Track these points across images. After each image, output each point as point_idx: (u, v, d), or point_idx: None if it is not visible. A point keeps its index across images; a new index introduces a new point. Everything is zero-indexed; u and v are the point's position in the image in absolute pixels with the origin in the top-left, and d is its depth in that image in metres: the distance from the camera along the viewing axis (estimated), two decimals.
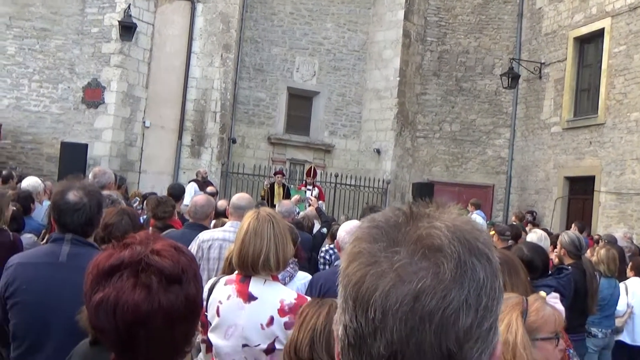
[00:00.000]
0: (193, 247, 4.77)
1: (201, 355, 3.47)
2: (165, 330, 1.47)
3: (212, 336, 3.16)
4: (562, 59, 17.28)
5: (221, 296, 3.16)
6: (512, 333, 2.23)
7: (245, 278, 3.15)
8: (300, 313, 2.44)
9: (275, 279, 3.18)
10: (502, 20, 19.80)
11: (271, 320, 3.03)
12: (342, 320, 0.90)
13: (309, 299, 3.15)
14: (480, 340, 0.86)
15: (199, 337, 3.29)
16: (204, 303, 3.24)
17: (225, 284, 3.20)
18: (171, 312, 1.47)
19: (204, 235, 5.01)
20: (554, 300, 2.77)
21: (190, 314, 1.53)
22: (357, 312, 0.86)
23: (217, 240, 4.84)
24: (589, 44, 16.78)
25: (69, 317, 2.22)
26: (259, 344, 3.03)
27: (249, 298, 3.08)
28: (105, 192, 4.96)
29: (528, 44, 19.09)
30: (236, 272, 3.25)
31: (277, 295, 3.10)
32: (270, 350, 3.03)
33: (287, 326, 3.00)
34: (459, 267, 0.85)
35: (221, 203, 8.11)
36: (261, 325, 3.03)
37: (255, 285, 3.11)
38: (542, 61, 18.19)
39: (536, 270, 4.75)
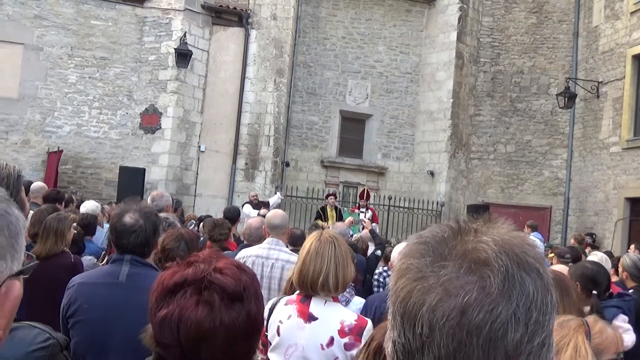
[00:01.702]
0: None
1: None
2: (226, 347, 1.49)
3: (272, 356, 3.17)
4: (621, 77, 16.89)
5: (282, 316, 3.18)
6: (582, 356, 2.17)
7: (306, 298, 3.16)
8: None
9: (335, 300, 3.19)
10: (557, 39, 19.52)
11: (331, 341, 3.03)
12: (391, 336, 0.90)
13: (369, 320, 3.14)
14: (532, 356, 0.84)
15: (259, 357, 3.31)
16: (265, 323, 3.27)
17: (286, 304, 3.22)
18: (233, 329, 1.48)
19: (241, 252, 5.15)
20: (624, 324, 2.70)
21: (251, 331, 1.54)
22: (405, 327, 0.86)
23: (250, 257, 4.91)
24: None
25: (128, 335, 2.27)
26: None
27: (310, 318, 3.09)
28: (162, 215, 5.08)
29: (584, 63, 18.75)
30: (297, 292, 3.27)
31: (337, 316, 3.10)
32: None
33: (347, 347, 2.99)
34: (507, 280, 0.83)
35: None
36: (321, 345, 3.03)
37: (316, 306, 3.12)
38: (600, 80, 17.81)
39: (601, 285, 4.62)
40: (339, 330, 3.04)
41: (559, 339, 2.18)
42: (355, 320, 3.09)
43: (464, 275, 0.84)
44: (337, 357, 3.01)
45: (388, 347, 0.92)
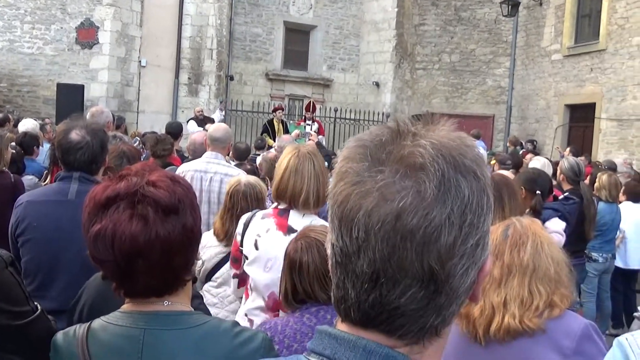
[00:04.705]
0: None
1: (229, 289, 3.54)
2: (163, 261, 1.49)
3: (250, 269, 3.18)
4: None
5: (259, 230, 3.18)
6: (558, 250, 2.26)
7: (284, 212, 3.17)
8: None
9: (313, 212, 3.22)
10: None
11: None
12: (329, 239, 0.91)
13: None
14: (465, 257, 0.86)
15: (198, 265, 3.34)
16: (239, 238, 3.28)
17: (263, 218, 3.22)
18: (169, 242, 1.48)
19: (181, 167, 5.17)
20: (555, 227, 2.81)
21: (188, 243, 1.54)
22: (342, 231, 0.87)
23: (189, 172, 4.94)
24: None
25: (79, 252, 2.26)
26: None
27: (289, 230, 3.11)
28: (114, 133, 5.00)
29: None
30: (272, 206, 3.28)
31: None
32: None
33: None
34: (442, 184, 0.83)
35: None
36: None
37: (294, 218, 3.14)
38: None
39: (543, 186, 4.84)
40: None
41: (532, 238, 2.25)
42: None
43: (400, 180, 0.84)
44: None
45: (328, 250, 0.93)
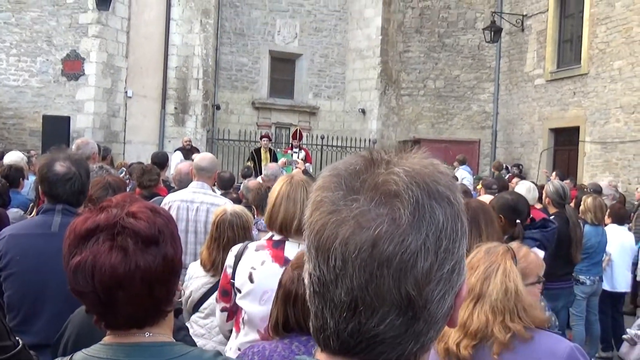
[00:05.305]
0: None
1: (217, 319, 3.47)
2: (144, 291, 1.48)
3: (244, 303, 3.10)
4: (544, 10, 17.18)
5: (253, 262, 3.10)
6: (512, 280, 2.25)
7: (279, 243, 3.11)
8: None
9: None
10: None
11: None
12: (307, 268, 0.92)
13: None
14: (442, 283, 0.86)
15: (181, 297, 3.29)
16: (230, 271, 3.21)
17: (257, 250, 3.15)
18: (149, 273, 1.47)
19: (168, 197, 5.18)
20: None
21: (168, 274, 1.54)
22: (319, 260, 0.87)
23: (175, 202, 4.94)
24: None
25: (63, 286, 2.25)
26: None
27: (285, 262, 3.02)
28: (99, 164, 4.99)
29: None
30: (265, 237, 3.22)
31: None
32: None
33: None
34: (417, 211, 0.84)
35: None
36: None
37: (291, 250, 3.05)
38: (524, 13, 18.08)
39: (522, 213, 4.79)
40: None
41: (488, 264, 2.25)
42: None
43: (375, 208, 0.84)
44: None
45: (305, 280, 0.93)
